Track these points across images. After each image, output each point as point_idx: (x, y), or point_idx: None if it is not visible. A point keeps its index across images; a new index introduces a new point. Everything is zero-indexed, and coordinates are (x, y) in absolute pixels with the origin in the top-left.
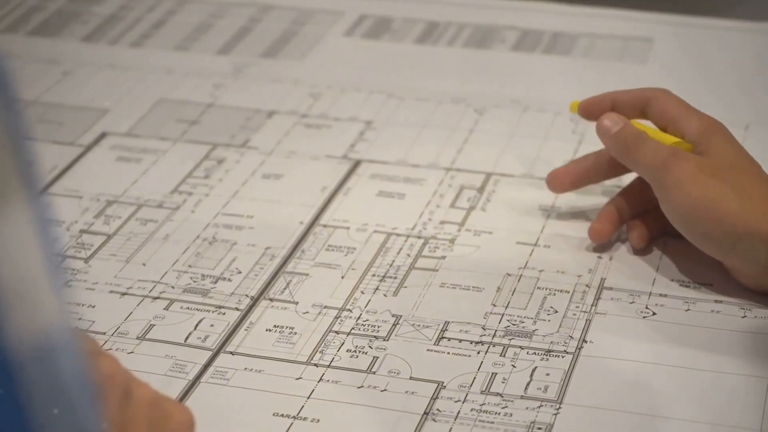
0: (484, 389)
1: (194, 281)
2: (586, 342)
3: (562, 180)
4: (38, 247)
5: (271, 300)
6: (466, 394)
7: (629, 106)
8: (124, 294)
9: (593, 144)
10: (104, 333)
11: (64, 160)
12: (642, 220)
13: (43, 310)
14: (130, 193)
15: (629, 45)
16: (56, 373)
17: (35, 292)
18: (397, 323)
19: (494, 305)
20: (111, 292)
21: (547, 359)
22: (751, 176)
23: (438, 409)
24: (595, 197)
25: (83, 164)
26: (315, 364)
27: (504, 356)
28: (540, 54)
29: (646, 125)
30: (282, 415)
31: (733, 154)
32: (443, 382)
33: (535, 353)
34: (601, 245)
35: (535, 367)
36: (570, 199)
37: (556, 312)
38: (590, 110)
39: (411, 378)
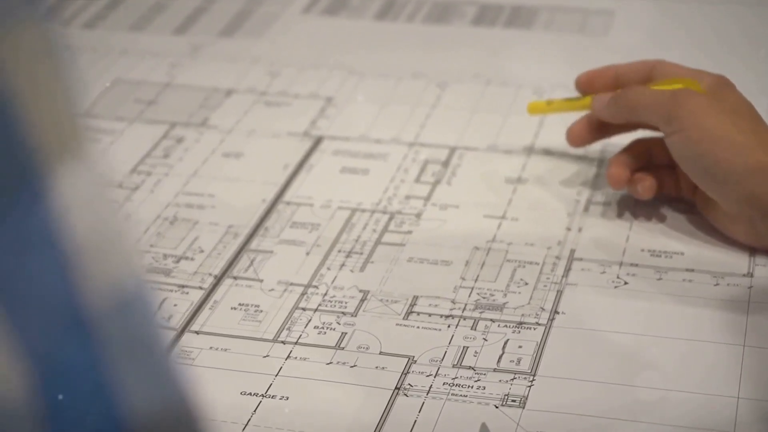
0: (455, 363)
1: (156, 261)
2: (558, 313)
3: (580, 134)
4: (105, 201)
5: (236, 278)
6: (438, 368)
7: (633, 74)
8: None
9: (557, 117)
10: None
11: None
12: (650, 173)
13: (119, 264)
14: None
15: (590, 18)
16: (135, 328)
17: (109, 246)
18: (365, 299)
19: (463, 279)
20: None
21: (519, 331)
22: (759, 123)
23: (410, 384)
24: (562, 169)
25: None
26: (282, 342)
27: (475, 329)
28: (500, 28)
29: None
30: (250, 394)
31: (744, 103)
32: (414, 357)
33: (506, 326)
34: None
35: (507, 340)
36: (537, 172)
37: (527, 284)
38: (591, 83)
39: (381, 353)
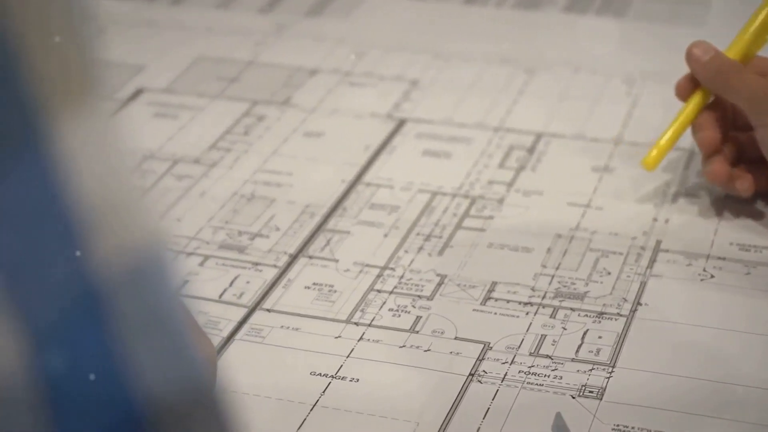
0: (532, 351)
1: (230, 237)
2: (640, 305)
3: (722, 173)
4: (118, 159)
5: (311, 257)
6: (514, 356)
7: None
8: None
9: (647, 107)
10: None
11: None
12: (748, 171)
13: (134, 228)
14: (167, 149)
15: (685, 7)
16: (151, 299)
17: (123, 208)
18: (442, 283)
19: (544, 266)
20: None
21: (600, 322)
22: None
23: (484, 371)
24: None
25: (119, 119)
26: (355, 323)
27: (554, 318)
28: (592, 15)
29: None
30: (320, 375)
31: None
32: (489, 343)
33: (586, 315)
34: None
35: (587, 330)
36: (624, 161)
37: (609, 274)
38: (692, 89)
39: (456, 338)
